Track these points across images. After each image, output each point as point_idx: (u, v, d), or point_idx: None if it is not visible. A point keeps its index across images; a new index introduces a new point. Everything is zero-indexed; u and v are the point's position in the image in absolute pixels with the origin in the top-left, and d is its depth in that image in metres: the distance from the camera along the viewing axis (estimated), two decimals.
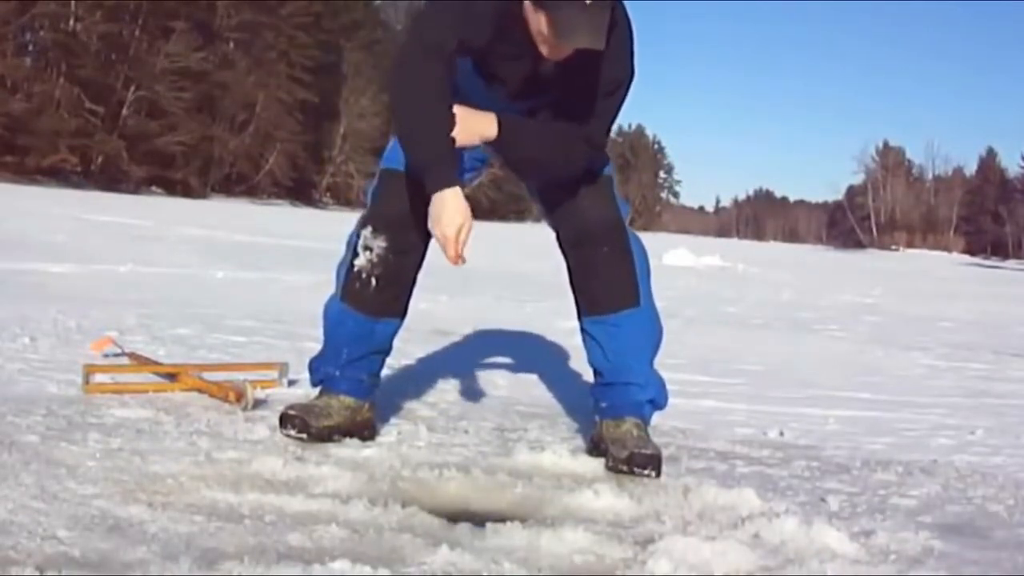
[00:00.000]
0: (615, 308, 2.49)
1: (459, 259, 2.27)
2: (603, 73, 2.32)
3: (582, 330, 2.57)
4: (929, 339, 6.75)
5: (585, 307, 2.54)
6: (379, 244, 2.48)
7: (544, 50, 2.23)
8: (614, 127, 2.56)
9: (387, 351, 2.65)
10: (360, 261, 2.50)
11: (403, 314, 2.61)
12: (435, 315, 5.49)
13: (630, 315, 2.50)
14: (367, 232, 2.50)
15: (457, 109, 2.28)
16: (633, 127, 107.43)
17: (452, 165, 2.28)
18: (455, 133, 2.26)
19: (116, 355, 3.37)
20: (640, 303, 2.51)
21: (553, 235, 2.60)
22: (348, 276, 2.53)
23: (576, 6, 2.09)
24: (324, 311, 2.63)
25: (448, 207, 2.24)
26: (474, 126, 2.30)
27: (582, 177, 2.49)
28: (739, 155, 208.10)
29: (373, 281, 2.50)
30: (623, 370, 2.51)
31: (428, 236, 2.49)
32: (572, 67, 2.26)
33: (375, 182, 2.59)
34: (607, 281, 2.50)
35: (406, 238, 2.48)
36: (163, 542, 1.66)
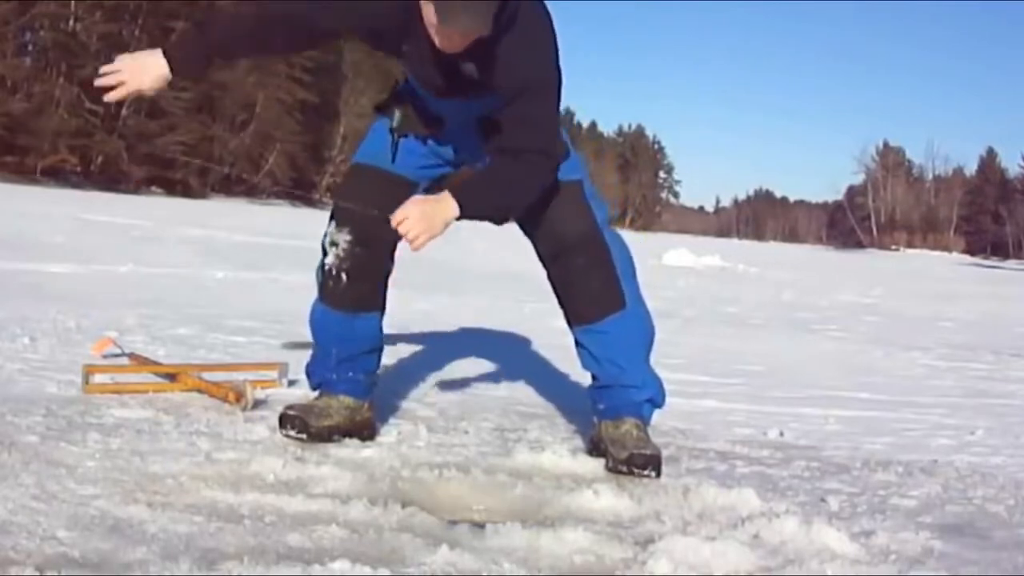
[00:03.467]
0: (600, 315, 2.49)
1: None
2: (523, 72, 2.28)
3: (574, 338, 2.57)
4: (929, 339, 6.75)
5: (571, 318, 2.55)
6: (344, 238, 2.50)
7: (437, 41, 2.21)
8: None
9: (378, 348, 2.65)
10: (329, 258, 2.53)
11: (381, 307, 2.61)
12: (435, 315, 5.49)
13: (616, 319, 2.49)
14: (331, 228, 2.53)
15: (415, 203, 2.27)
16: (633, 127, 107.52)
17: (175, 54, 2.35)
18: (415, 232, 2.23)
19: (116, 356, 3.37)
20: (625, 305, 2.50)
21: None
22: (322, 275, 2.56)
23: None
24: (309, 315, 2.65)
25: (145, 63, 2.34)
26: (435, 216, 2.26)
27: (547, 192, 2.45)
28: (739, 155, 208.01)
29: (344, 276, 2.51)
30: (618, 373, 2.51)
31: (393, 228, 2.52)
32: (488, 66, 2.25)
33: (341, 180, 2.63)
34: (588, 291, 2.50)
35: (371, 228, 2.48)
36: (163, 542, 1.66)
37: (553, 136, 2.39)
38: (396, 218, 2.24)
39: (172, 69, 2.33)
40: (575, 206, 2.50)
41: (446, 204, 2.27)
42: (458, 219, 2.29)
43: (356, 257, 2.51)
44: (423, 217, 2.24)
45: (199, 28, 2.43)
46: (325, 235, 2.55)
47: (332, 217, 2.55)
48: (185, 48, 2.38)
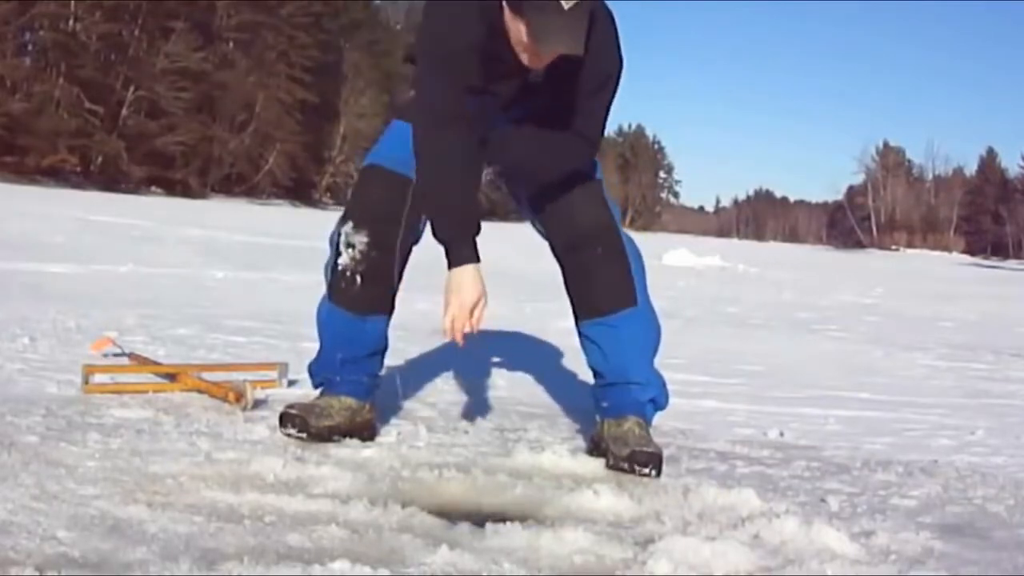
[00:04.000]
0: (613, 309, 2.48)
1: (464, 338, 2.31)
2: (591, 71, 2.31)
3: (580, 334, 2.56)
4: (929, 339, 6.75)
5: (582, 310, 2.53)
6: (361, 240, 2.48)
7: (525, 59, 2.21)
8: (610, 124, 2.56)
9: (383, 350, 2.65)
10: (344, 259, 2.50)
11: (391, 309, 2.61)
12: (435, 315, 5.48)
13: (628, 315, 2.49)
14: (348, 228, 2.50)
15: (447, 306, 2.33)
16: (633, 127, 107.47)
17: (474, 240, 2.31)
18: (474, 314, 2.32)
19: (116, 355, 3.37)
20: (638, 303, 2.51)
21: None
22: (334, 275, 2.54)
23: (554, 9, 2.06)
24: (317, 314, 2.64)
25: (466, 284, 2.28)
26: (459, 283, 2.34)
27: (572, 180, 2.48)
28: (739, 155, 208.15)
29: (358, 279, 2.50)
30: (623, 370, 2.51)
31: (410, 231, 2.53)
32: (560, 72, 2.26)
33: (357, 178, 2.60)
34: (603, 283, 2.49)
35: (388, 233, 2.48)
36: (163, 542, 1.66)
37: (602, 125, 2.45)
38: (450, 336, 2.34)
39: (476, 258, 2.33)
40: (596, 200, 2.52)
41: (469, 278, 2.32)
42: (494, 176, 2.37)
43: (372, 260, 2.49)
44: (458, 307, 2.31)
45: (463, 192, 2.35)
46: (339, 234, 2.51)
47: (347, 217, 2.51)
48: (456, 232, 2.32)
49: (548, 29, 2.08)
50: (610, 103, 2.42)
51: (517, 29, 2.15)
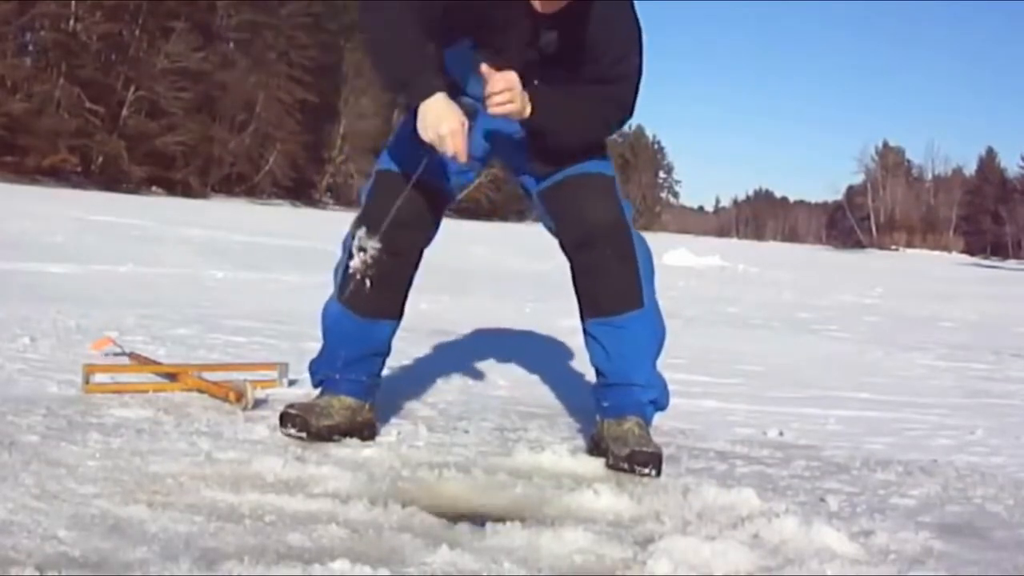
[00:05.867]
0: (619, 310, 2.48)
1: (465, 155, 2.26)
2: (608, 40, 2.34)
3: (585, 332, 2.56)
4: (929, 339, 6.75)
5: (589, 309, 2.53)
6: (373, 245, 2.47)
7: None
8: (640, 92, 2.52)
9: (386, 352, 2.65)
10: (355, 263, 2.49)
11: (400, 315, 2.61)
12: (435, 315, 5.49)
13: (634, 317, 2.49)
14: (361, 233, 2.49)
15: (499, 76, 2.27)
16: (633, 127, 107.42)
17: (433, 74, 2.29)
18: (507, 104, 2.26)
19: (116, 355, 3.37)
20: (644, 304, 2.50)
21: (554, 239, 2.60)
22: (344, 278, 2.53)
23: None
24: (323, 313, 2.64)
25: (434, 111, 2.24)
26: (524, 100, 2.30)
27: (584, 179, 2.48)
28: (739, 155, 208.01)
29: (368, 282, 2.49)
30: (626, 371, 2.51)
31: (423, 237, 2.53)
32: (573, 33, 2.28)
33: (370, 183, 2.59)
34: (611, 283, 2.49)
35: (401, 239, 2.48)
36: (163, 542, 1.66)
37: (636, 89, 2.45)
38: (506, 83, 2.25)
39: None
40: (607, 197, 2.51)
41: (527, 99, 2.31)
42: (526, 120, 2.34)
43: (383, 265, 2.47)
44: (519, 95, 2.27)
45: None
46: (352, 237, 2.50)
47: (361, 221, 2.49)
48: (413, 68, 2.29)
49: None
50: (639, 66, 2.43)
51: None
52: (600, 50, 2.35)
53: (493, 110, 2.28)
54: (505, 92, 2.26)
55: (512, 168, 2.65)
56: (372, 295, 2.49)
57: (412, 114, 2.32)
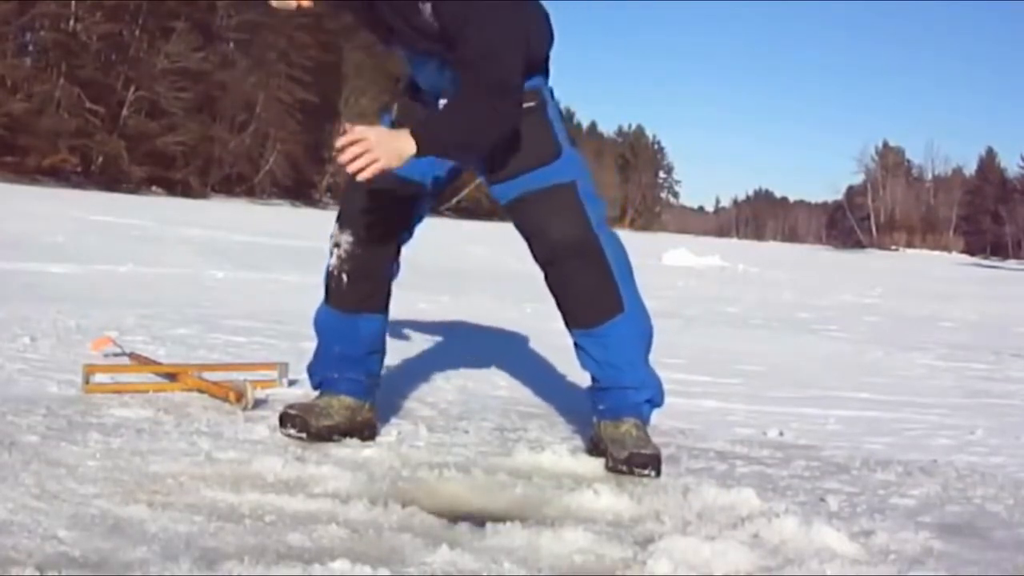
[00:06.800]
0: (600, 320, 2.46)
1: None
2: (452, 7, 2.27)
3: (573, 340, 2.55)
4: (929, 339, 6.75)
5: (571, 322, 2.51)
6: (346, 239, 2.52)
7: None
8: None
9: (381, 350, 2.66)
10: (332, 260, 2.55)
11: (383, 309, 2.61)
12: (436, 315, 5.49)
13: (616, 323, 2.46)
14: (335, 229, 2.55)
15: (374, 131, 2.20)
16: (633, 127, 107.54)
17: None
18: (380, 160, 2.16)
19: (116, 355, 3.38)
20: (624, 308, 2.47)
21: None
22: (327, 277, 2.59)
23: None
24: (314, 318, 2.67)
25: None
26: (391, 144, 2.19)
27: (542, 195, 2.42)
28: (739, 155, 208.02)
29: (344, 277, 2.53)
30: (617, 376, 2.50)
31: (395, 229, 2.55)
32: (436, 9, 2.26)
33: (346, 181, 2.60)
34: (585, 295, 2.46)
35: (372, 230, 2.50)
36: (163, 542, 1.66)
37: (512, 68, 2.29)
38: (349, 137, 2.14)
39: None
40: (567, 211, 2.43)
41: (405, 139, 2.20)
42: (418, 156, 2.22)
43: (357, 258, 2.52)
44: (378, 143, 2.15)
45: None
46: (331, 236, 2.57)
47: (336, 219, 2.57)
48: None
49: None
50: (508, 38, 2.28)
51: None
52: (453, 20, 2.26)
53: (347, 168, 2.18)
54: (349, 149, 2.14)
55: (479, 176, 2.59)
56: (349, 289, 2.53)
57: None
